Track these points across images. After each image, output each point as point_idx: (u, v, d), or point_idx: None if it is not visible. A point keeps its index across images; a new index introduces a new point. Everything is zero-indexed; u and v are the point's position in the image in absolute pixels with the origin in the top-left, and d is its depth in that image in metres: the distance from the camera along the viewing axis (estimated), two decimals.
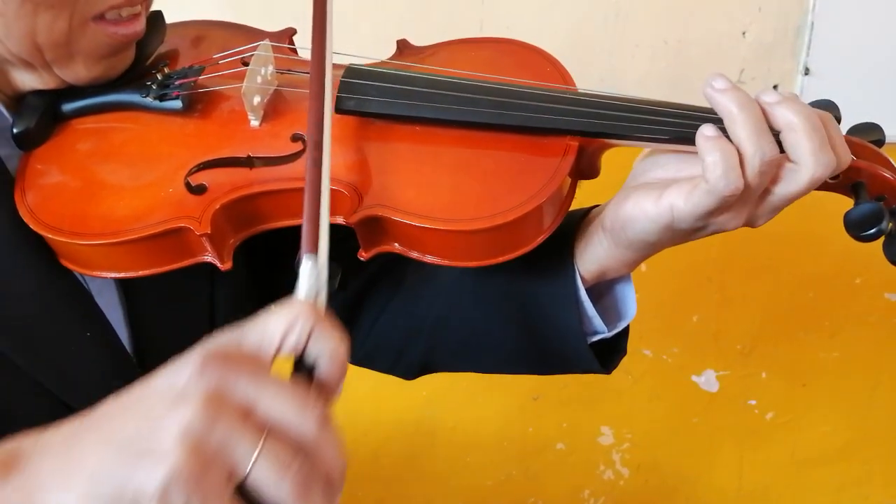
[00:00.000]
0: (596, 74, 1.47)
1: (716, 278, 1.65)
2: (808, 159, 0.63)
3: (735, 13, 1.47)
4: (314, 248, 0.56)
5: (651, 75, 1.48)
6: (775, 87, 1.52)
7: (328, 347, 0.50)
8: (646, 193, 0.67)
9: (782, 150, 0.65)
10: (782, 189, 0.65)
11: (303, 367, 0.51)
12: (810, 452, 1.78)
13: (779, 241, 1.60)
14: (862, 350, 1.72)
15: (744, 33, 1.48)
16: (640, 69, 1.48)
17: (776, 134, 0.64)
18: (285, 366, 0.51)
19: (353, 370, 0.92)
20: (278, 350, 0.50)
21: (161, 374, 0.49)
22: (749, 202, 0.66)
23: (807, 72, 1.49)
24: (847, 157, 0.67)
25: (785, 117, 0.64)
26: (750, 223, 0.68)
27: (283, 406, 0.47)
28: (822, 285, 1.67)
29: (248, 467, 0.45)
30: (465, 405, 1.70)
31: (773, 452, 1.78)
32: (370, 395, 1.65)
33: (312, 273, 0.54)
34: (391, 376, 0.91)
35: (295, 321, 0.50)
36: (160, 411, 0.46)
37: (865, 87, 1.50)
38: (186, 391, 0.46)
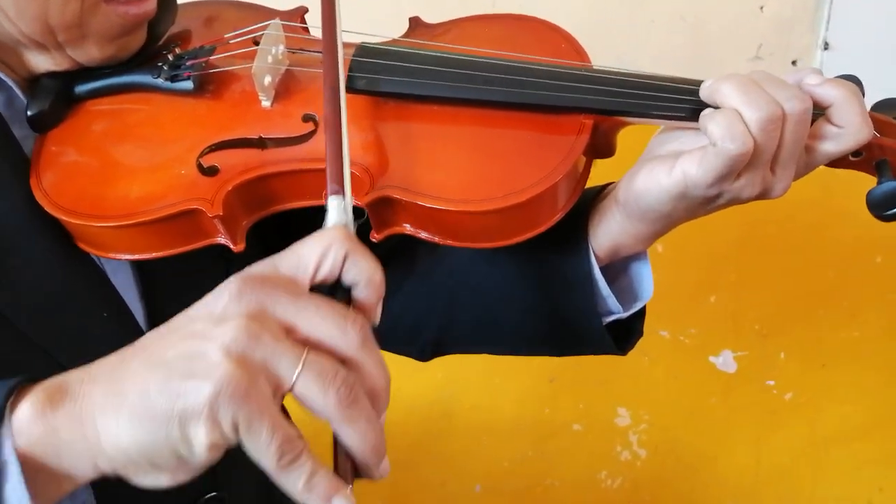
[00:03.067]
0: (612, 50, 1.45)
1: (733, 258, 1.63)
2: (855, 123, 0.66)
3: None
4: (340, 188, 0.56)
5: (668, 51, 1.46)
6: (794, 62, 1.51)
7: (364, 272, 0.51)
8: (659, 163, 0.67)
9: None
10: (826, 148, 0.67)
11: (339, 291, 0.51)
12: (829, 433, 1.77)
13: (797, 220, 1.59)
14: (882, 330, 1.70)
15: (762, 8, 1.46)
16: (656, 45, 1.46)
17: (824, 110, 0.67)
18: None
19: None
20: (314, 274, 0.50)
21: (200, 302, 0.50)
22: (760, 166, 0.65)
23: (826, 46, 1.47)
24: (870, 131, 0.67)
25: (829, 94, 0.66)
26: (766, 192, 0.67)
27: (324, 323, 0.48)
28: (842, 264, 1.65)
29: (293, 379, 0.46)
30: (481, 386, 1.70)
31: (791, 433, 1.77)
32: None
33: (340, 206, 0.55)
34: (406, 358, 0.91)
35: (329, 246, 0.50)
36: (203, 331, 0.47)
37: (885, 62, 1.48)
38: (227, 312, 0.47)
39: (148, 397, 0.46)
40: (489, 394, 1.71)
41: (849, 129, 0.66)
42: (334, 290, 0.51)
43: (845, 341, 1.71)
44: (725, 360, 1.72)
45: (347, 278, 0.51)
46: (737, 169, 0.63)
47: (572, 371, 1.69)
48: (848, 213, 1.55)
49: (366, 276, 0.51)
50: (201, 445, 0.46)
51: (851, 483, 1.81)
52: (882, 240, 1.62)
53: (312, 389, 0.47)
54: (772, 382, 1.74)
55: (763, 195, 0.67)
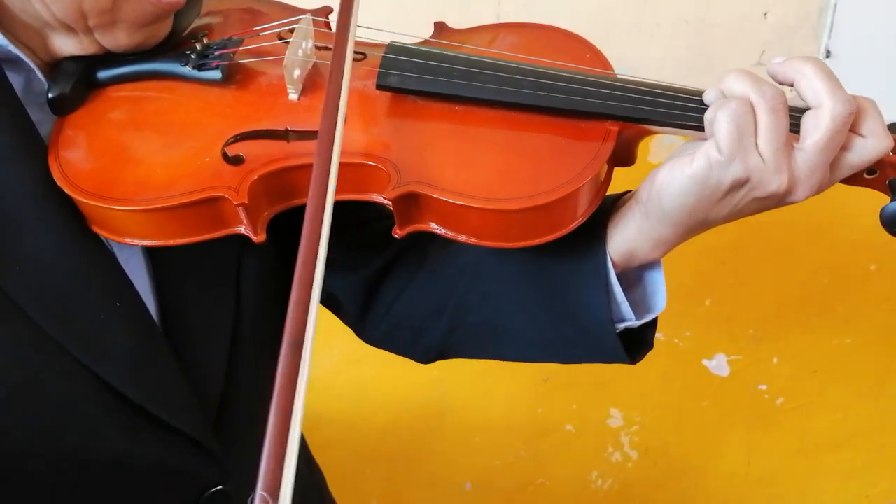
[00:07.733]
0: (615, 54, 1.43)
1: (729, 262, 1.63)
2: (825, 98, 0.65)
3: None
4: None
5: (671, 55, 1.46)
6: None
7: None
8: (680, 157, 0.67)
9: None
10: (812, 138, 0.66)
11: None
12: (820, 438, 1.78)
13: (793, 226, 1.59)
14: (875, 337, 1.71)
15: (765, 14, 1.46)
16: (659, 49, 1.46)
17: (790, 85, 0.67)
18: None
19: (363, 349, 0.92)
20: None
21: None
22: (781, 146, 0.65)
23: (828, 54, 1.47)
24: (889, 141, 0.67)
25: (792, 67, 0.67)
26: (789, 191, 0.67)
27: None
28: (836, 271, 1.65)
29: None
30: (474, 386, 1.70)
31: (782, 438, 1.78)
32: (380, 374, 1.65)
33: None
34: (400, 356, 0.90)
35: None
36: None
37: (888, 71, 1.48)
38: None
39: None
40: (482, 392, 1.71)
41: (821, 108, 0.66)
42: None
43: (838, 348, 1.72)
44: (719, 364, 1.73)
45: None
46: (747, 131, 0.64)
47: (566, 371, 1.69)
48: (844, 219, 1.55)
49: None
50: None
51: (839, 489, 1.82)
52: (877, 247, 1.62)
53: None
54: (764, 387, 1.75)
55: (787, 194, 0.67)
